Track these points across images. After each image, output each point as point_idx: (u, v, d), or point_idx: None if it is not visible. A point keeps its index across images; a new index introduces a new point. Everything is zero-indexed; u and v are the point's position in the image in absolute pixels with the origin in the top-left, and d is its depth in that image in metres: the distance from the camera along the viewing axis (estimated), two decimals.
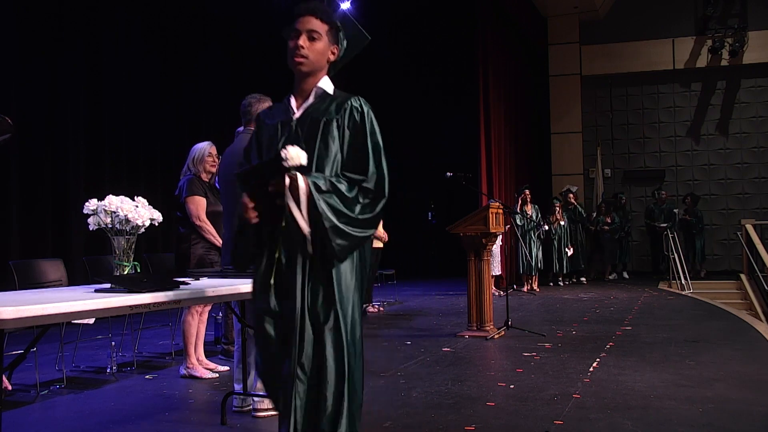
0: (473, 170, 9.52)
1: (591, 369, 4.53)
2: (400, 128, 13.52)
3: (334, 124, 2.14)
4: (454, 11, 12.10)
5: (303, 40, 2.15)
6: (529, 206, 10.46)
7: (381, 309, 8.36)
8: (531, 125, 13.90)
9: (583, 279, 11.94)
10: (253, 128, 2.34)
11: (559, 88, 14.15)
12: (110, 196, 3.04)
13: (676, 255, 10.94)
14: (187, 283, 2.92)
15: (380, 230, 8.08)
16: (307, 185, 2.00)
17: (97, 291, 2.66)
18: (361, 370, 2.16)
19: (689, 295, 9.82)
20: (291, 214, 2.00)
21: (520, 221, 10.21)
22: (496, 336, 5.98)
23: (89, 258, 5.00)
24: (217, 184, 4.57)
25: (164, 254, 5.89)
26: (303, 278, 2.06)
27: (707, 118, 13.92)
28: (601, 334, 6.05)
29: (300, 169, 1.99)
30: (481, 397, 3.82)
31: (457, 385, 4.15)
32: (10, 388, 4.09)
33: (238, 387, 3.65)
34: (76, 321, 3.63)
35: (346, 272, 2.09)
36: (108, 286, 2.73)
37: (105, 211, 2.97)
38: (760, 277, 10.26)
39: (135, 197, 3.18)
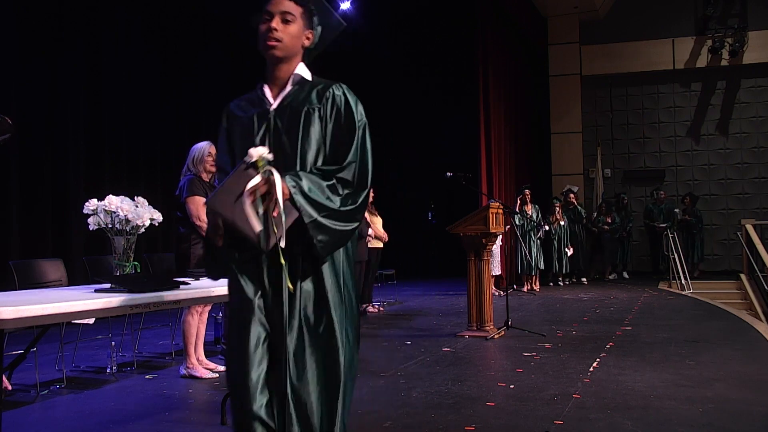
0: (473, 170, 9.52)
1: (591, 369, 4.53)
2: (400, 128, 13.55)
3: (316, 113, 1.99)
4: (454, 11, 12.10)
5: (276, 23, 2.01)
6: (529, 206, 10.46)
7: (381, 309, 8.36)
8: (531, 125, 13.90)
9: (583, 279, 11.94)
10: (224, 123, 2.16)
11: (559, 88, 14.16)
12: (110, 196, 3.05)
13: (675, 255, 10.94)
14: (187, 283, 2.92)
15: (380, 230, 8.08)
16: (283, 180, 1.84)
17: (97, 291, 2.66)
18: (354, 378, 2.01)
19: (689, 295, 9.82)
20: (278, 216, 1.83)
21: (519, 221, 10.21)
22: (496, 336, 5.98)
23: (89, 258, 4.99)
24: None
25: (164, 254, 5.89)
26: (288, 282, 1.91)
27: (707, 118, 13.93)
28: (601, 334, 6.05)
29: (269, 163, 1.84)
30: (481, 397, 3.82)
31: (457, 385, 4.15)
32: (10, 388, 4.09)
33: None
34: (76, 321, 3.63)
35: (335, 273, 1.97)
36: (108, 286, 2.73)
37: (105, 211, 2.97)
38: (760, 277, 10.25)
39: (135, 197, 3.19)
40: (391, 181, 12.96)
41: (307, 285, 1.96)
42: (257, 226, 1.82)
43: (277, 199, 1.81)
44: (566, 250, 11.30)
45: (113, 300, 2.44)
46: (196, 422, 3.50)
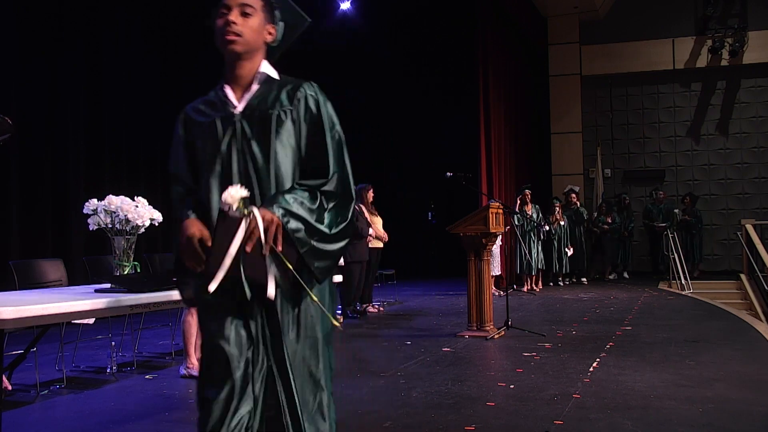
0: (473, 170, 9.52)
1: (591, 369, 4.53)
2: (400, 128, 13.56)
3: (289, 117, 1.83)
4: (454, 11, 12.10)
5: (235, 16, 1.85)
6: (530, 206, 10.46)
7: (381, 309, 8.36)
8: (531, 125, 13.91)
9: (584, 279, 11.94)
10: (180, 131, 1.99)
11: (559, 88, 14.16)
12: (110, 196, 3.05)
13: (675, 255, 10.94)
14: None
15: (380, 230, 8.08)
16: (268, 210, 1.70)
17: (97, 291, 2.66)
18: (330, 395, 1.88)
19: (689, 295, 9.82)
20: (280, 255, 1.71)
21: (519, 221, 10.21)
22: (496, 336, 5.98)
23: (89, 258, 4.99)
24: None
25: (164, 254, 5.89)
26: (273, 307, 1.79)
27: (707, 118, 13.92)
28: (601, 334, 6.05)
29: (246, 200, 1.69)
30: (481, 397, 3.82)
31: (457, 385, 4.15)
32: (10, 388, 4.09)
33: None
34: (76, 321, 3.63)
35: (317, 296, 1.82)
36: (108, 286, 2.73)
37: (105, 211, 2.97)
38: (760, 277, 10.25)
39: (135, 197, 3.19)
40: (391, 181, 12.96)
41: (291, 309, 1.84)
42: (272, 271, 1.72)
43: (275, 236, 1.70)
44: (566, 250, 11.30)
45: (113, 300, 2.44)
46: (196, 422, 3.50)
